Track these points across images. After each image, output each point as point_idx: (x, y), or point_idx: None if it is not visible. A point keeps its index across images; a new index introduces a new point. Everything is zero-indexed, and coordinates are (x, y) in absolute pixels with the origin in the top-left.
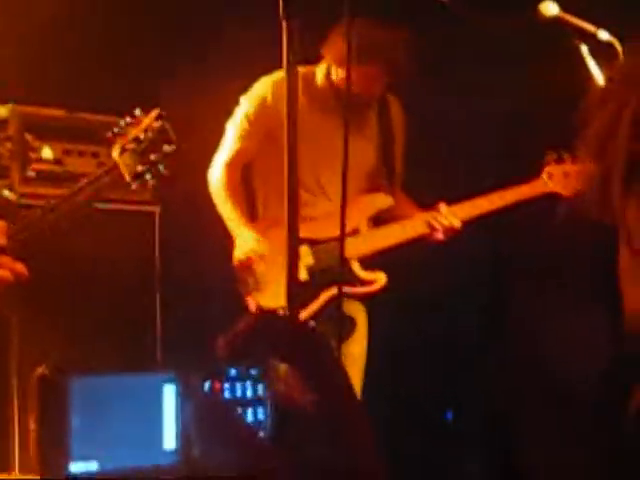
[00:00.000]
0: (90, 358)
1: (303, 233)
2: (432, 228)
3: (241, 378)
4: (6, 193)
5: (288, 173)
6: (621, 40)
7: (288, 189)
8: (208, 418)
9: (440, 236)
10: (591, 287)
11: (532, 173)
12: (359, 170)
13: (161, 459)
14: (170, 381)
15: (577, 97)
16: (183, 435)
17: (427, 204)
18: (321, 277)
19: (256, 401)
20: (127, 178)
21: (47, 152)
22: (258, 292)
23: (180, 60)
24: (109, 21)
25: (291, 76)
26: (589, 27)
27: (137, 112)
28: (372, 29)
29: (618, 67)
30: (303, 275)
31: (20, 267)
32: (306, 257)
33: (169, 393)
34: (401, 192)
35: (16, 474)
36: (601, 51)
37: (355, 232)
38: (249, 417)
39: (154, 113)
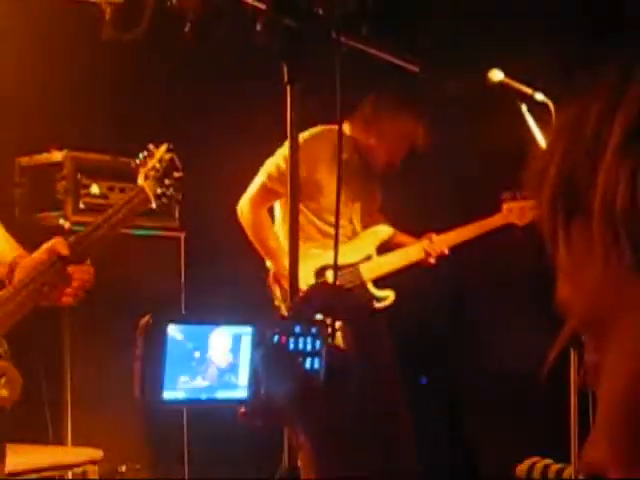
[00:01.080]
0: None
1: (330, 261)
2: (427, 254)
3: (303, 334)
4: (61, 221)
5: (290, 217)
6: (556, 101)
7: (290, 227)
8: (274, 364)
9: (432, 261)
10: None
11: (491, 211)
12: (371, 209)
13: (236, 394)
14: (247, 334)
15: (521, 147)
16: (253, 376)
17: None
18: None
19: (314, 354)
20: (151, 198)
21: (95, 189)
22: (284, 302)
23: (211, 106)
24: (146, 79)
25: (294, 135)
26: (527, 90)
27: (150, 147)
28: (400, 114)
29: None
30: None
31: (89, 270)
32: (332, 279)
33: (245, 342)
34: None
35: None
36: (537, 110)
37: (368, 259)
38: (307, 366)
39: (164, 147)
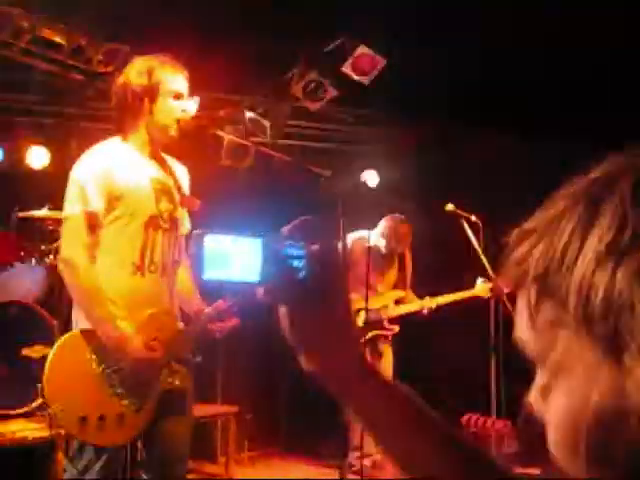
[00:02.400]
0: None
1: (362, 305)
2: (422, 308)
3: (293, 246)
4: None
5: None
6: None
7: None
8: (274, 262)
9: (425, 312)
10: None
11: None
12: (390, 281)
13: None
14: (260, 242)
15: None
16: (263, 270)
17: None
18: (368, 326)
19: (298, 257)
20: None
21: None
22: None
23: None
24: None
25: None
26: (466, 214)
27: None
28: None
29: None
30: (360, 323)
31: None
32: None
33: (258, 247)
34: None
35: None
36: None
37: (386, 307)
38: (294, 264)
39: None
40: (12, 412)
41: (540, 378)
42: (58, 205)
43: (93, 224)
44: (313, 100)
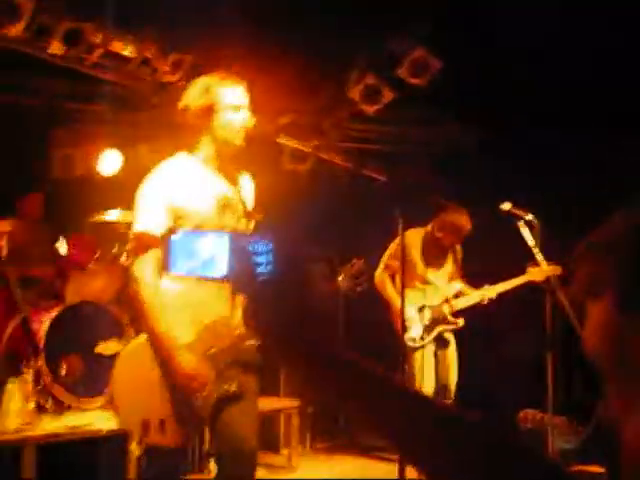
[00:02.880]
0: None
1: (424, 302)
2: (483, 298)
3: (257, 242)
4: None
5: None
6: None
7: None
8: (239, 256)
9: (485, 302)
10: None
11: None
12: (447, 274)
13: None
14: (225, 240)
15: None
16: (229, 265)
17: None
18: (433, 322)
19: (264, 255)
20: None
21: None
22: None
23: None
24: None
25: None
26: (522, 213)
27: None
28: (458, 219)
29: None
30: (425, 321)
31: None
32: (426, 313)
33: (225, 243)
34: None
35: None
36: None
37: (447, 301)
38: (259, 260)
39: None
40: (87, 405)
41: (615, 385)
42: (129, 208)
43: (157, 241)
44: (371, 104)
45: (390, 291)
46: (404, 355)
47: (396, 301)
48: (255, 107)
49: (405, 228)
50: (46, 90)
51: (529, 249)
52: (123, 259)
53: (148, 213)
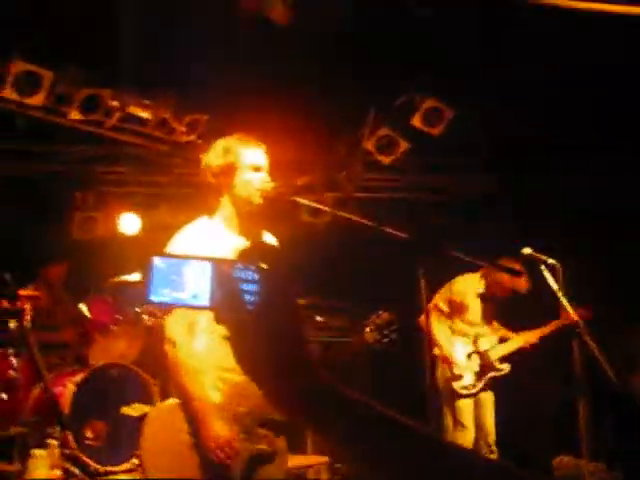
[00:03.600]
0: None
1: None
2: (527, 343)
3: (243, 270)
4: None
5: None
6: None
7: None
8: (222, 285)
9: (529, 347)
10: None
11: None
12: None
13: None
14: (208, 268)
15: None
16: (212, 294)
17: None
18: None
19: (251, 284)
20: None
21: None
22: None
23: None
24: None
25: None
26: (544, 257)
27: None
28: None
29: None
30: (476, 368)
31: None
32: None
33: (206, 272)
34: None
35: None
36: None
37: (494, 347)
38: (245, 288)
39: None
40: (115, 468)
41: None
42: None
43: None
44: (386, 154)
45: (439, 337)
46: (441, 404)
47: (447, 347)
48: (272, 168)
49: (427, 283)
50: (68, 155)
51: (547, 294)
52: (145, 319)
53: None
